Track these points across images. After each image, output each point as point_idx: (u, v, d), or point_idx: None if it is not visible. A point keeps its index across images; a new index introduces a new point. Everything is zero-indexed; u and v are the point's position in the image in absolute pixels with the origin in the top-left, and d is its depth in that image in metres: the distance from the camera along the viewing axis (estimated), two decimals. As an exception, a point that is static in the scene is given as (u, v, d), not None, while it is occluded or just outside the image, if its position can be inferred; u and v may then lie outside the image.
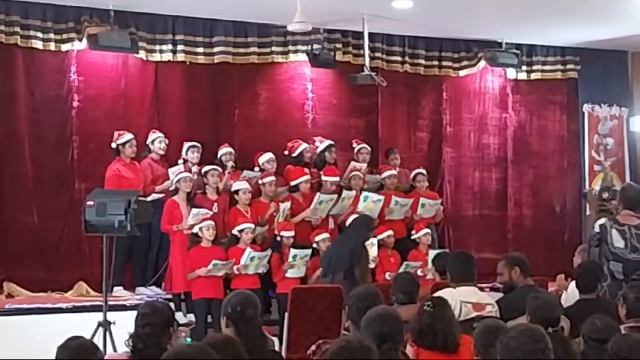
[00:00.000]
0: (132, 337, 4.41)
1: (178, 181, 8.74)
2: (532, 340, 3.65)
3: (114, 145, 9.05)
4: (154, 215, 8.75)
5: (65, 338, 4.08)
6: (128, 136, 9.08)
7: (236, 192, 8.93)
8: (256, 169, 9.44)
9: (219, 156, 9.39)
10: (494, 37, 11.18)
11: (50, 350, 4.01)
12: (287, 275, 8.54)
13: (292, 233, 8.70)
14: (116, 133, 9.09)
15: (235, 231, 8.55)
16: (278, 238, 8.70)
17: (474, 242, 11.31)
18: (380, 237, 9.21)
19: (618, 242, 6.63)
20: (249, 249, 8.39)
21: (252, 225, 8.60)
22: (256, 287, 8.39)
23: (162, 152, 9.30)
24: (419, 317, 4.84)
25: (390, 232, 9.30)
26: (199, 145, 9.37)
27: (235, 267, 8.31)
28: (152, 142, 9.27)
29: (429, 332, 4.75)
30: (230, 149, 9.49)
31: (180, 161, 9.19)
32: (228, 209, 8.98)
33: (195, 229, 8.39)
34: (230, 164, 9.29)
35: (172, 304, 7.85)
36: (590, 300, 6.11)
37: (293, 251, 8.53)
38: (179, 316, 8.02)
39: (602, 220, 6.81)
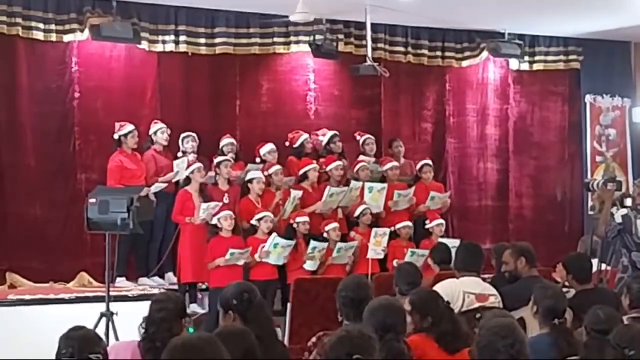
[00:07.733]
0: (144, 320, 4.42)
1: (192, 172, 8.74)
2: (501, 337, 3.70)
3: (115, 136, 9.03)
4: (157, 206, 8.80)
5: (67, 329, 4.06)
6: (129, 127, 9.06)
7: (250, 181, 8.91)
8: (257, 160, 9.43)
9: (220, 147, 9.37)
10: (497, 28, 11.15)
11: (53, 341, 3.99)
12: (305, 266, 8.51)
13: (306, 218, 8.67)
14: (117, 124, 9.07)
15: (253, 221, 8.53)
16: (294, 225, 8.63)
17: (476, 232, 11.31)
18: (398, 226, 9.18)
19: None
20: (274, 234, 8.36)
21: (271, 214, 8.59)
22: (274, 278, 8.43)
23: (164, 143, 9.28)
24: None
25: (407, 223, 9.27)
26: (194, 134, 9.35)
27: (256, 255, 8.28)
28: (155, 132, 9.25)
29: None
30: (232, 140, 9.48)
31: (180, 154, 9.18)
32: (239, 199, 8.95)
33: (214, 220, 8.37)
34: (231, 155, 9.27)
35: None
36: (590, 290, 6.12)
37: (313, 243, 8.49)
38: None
39: (625, 211, 6.78)
